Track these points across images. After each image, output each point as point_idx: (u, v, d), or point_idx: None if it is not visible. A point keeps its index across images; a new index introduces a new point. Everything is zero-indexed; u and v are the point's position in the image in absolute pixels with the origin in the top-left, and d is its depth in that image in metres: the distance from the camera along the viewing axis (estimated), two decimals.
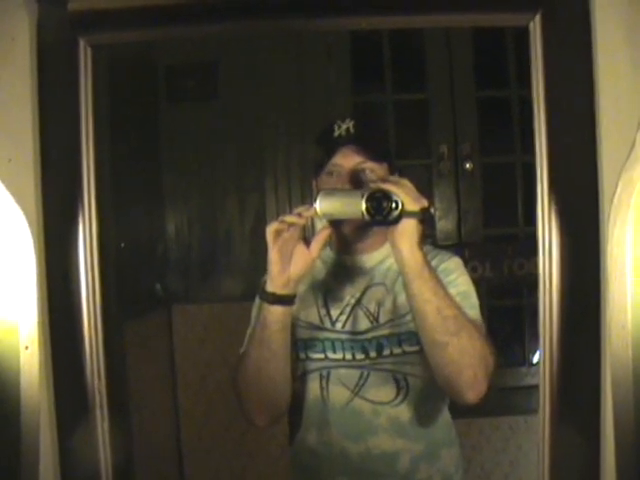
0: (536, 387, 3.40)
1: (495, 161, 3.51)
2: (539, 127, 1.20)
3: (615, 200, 1.04)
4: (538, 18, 1.18)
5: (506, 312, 3.67)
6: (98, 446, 1.10)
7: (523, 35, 3.18)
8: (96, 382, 1.10)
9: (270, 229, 1.51)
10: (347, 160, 1.70)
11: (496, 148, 3.51)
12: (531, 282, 3.41)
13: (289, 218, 1.52)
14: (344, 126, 1.73)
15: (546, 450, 1.29)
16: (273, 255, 1.52)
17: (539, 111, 1.18)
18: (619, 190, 1.04)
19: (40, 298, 1.11)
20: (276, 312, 1.57)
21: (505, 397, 3.43)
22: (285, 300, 1.56)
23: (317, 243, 1.55)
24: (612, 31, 1.09)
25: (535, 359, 3.50)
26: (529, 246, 3.29)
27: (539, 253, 1.23)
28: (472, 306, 1.70)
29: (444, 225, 3.46)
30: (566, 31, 1.15)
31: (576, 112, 1.16)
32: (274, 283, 1.55)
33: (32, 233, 1.07)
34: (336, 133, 1.73)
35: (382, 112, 3.48)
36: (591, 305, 1.15)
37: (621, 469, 1.06)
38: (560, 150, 1.19)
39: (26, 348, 1.05)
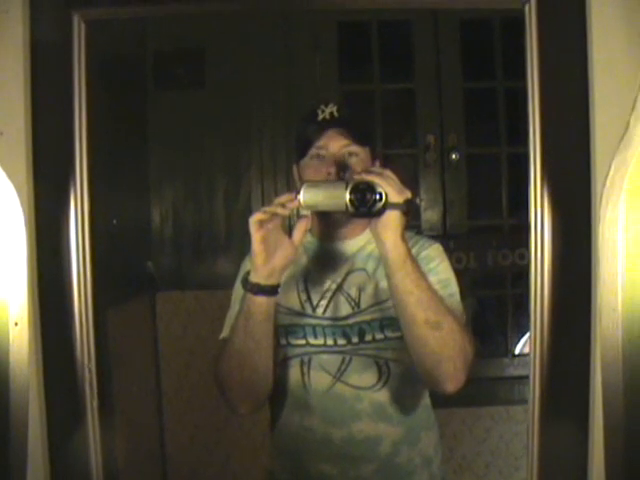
0: (518, 378, 3.46)
1: (481, 152, 3.52)
2: (533, 108, 1.19)
3: (607, 182, 1.05)
4: (534, 0, 1.18)
5: (490, 303, 3.68)
6: (87, 424, 1.10)
7: (511, 26, 3.19)
8: (86, 360, 1.09)
9: (253, 220, 1.51)
10: (332, 142, 1.70)
11: (482, 139, 3.52)
12: (515, 273, 3.46)
13: (272, 209, 1.51)
14: (328, 110, 1.74)
15: (535, 438, 1.29)
16: (257, 246, 1.52)
17: (533, 93, 1.18)
18: (612, 172, 1.04)
19: (30, 275, 1.10)
20: (260, 302, 1.57)
21: (487, 387, 3.44)
22: (269, 290, 1.57)
23: (299, 232, 1.55)
24: (608, 13, 1.09)
25: (518, 350, 3.51)
26: (513, 237, 3.36)
27: (531, 236, 1.23)
28: (452, 294, 1.72)
29: (429, 216, 3.47)
30: (561, 14, 1.15)
31: (570, 94, 1.17)
32: (258, 274, 1.55)
33: (23, 209, 1.06)
34: (320, 117, 1.74)
35: (369, 101, 3.47)
36: (582, 288, 1.15)
37: (609, 452, 1.07)
38: (553, 133, 1.19)
39: (15, 324, 1.04)
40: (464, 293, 1.76)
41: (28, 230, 1.09)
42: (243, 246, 3.33)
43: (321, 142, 1.71)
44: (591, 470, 1.13)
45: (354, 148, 1.71)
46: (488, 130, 3.52)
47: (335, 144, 1.70)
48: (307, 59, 3.40)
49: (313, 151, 1.72)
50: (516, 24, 3.24)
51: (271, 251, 1.53)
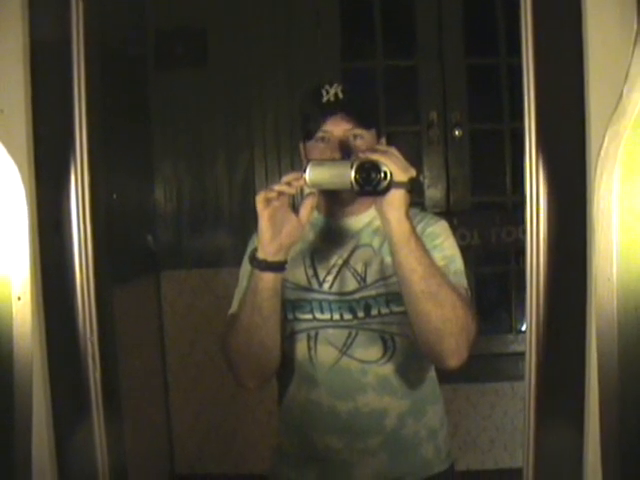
0: (523, 354, 3.45)
1: (484, 128, 3.51)
2: (527, 82, 1.20)
3: (602, 153, 1.05)
4: None
5: (494, 279, 3.69)
6: (90, 396, 1.11)
7: (513, 2, 3.18)
8: (88, 333, 1.11)
9: (260, 197, 1.52)
10: (337, 127, 1.68)
11: (485, 115, 3.51)
12: (519, 249, 3.46)
13: (279, 187, 1.52)
14: (332, 91, 1.72)
15: (532, 412, 1.30)
16: (263, 223, 1.52)
17: (527, 66, 1.18)
18: (606, 143, 1.04)
19: (32, 249, 1.11)
20: (268, 279, 1.57)
21: (492, 363, 3.45)
22: (276, 267, 1.57)
23: (305, 210, 1.56)
24: None
25: (524, 327, 3.52)
26: (517, 214, 3.35)
27: (527, 208, 1.24)
28: (456, 271, 1.71)
29: (433, 193, 3.47)
30: None
31: (564, 67, 1.17)
32: (265, 250, 1.55)
33: (24, 185, 1.07)
34: (324, 98, 1.71)
35: (371, 78, 3.47)
36: (578, 259, 1.16)
37: (605, 421, 1.08)
38: (548, 106, 1.19)
39: (18, 299, 1.06)
40: (468, 270, 1.77)
41: (29, 205, 1.10)
42: (247, 224, 3.39)
43: (326, 126, 1.69)
44: (587, 441, 1.14)
45: (359, 131, 1.71)
46: (491, 106, 3.51)
47: (339, 128, 1.68)
48: (309, 36, 3.39)
49: (319, 134, 1.71)
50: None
51: (278, 228, 1.54)
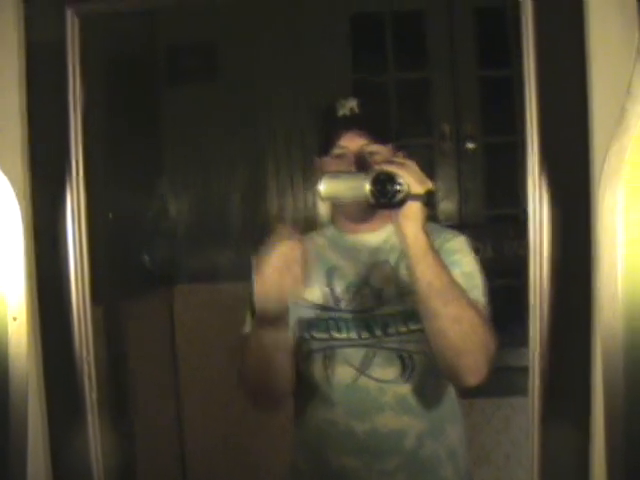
0: None
1: (497, 141, 3.49)
2: (529, 95, 1.17)
3: (605, 167, 1.03)
4: None
5: (508, 292, 3.66)
6: (87, 417, 1.10)
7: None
8: (84, 354, 1.09)
9: (255, 259, 1.48)
10: (352, 143, 1.68)
11: (498, 127, 3.49)
12: None
13: (275, 253, 1.47)
14: (348, 105, 1.72)
15: (536, 433, 1.27)
16: (257, 286, 1.48)
17: (529, 79, 1.16)
18: (609, 157, 1.02)
19: (28, 268, 1.10)
20: (269, 334, 1.54)
21: (507, 377, 3.41)
22: (274, 323, 1.53)
23: (300, 267, 1.48)
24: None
25: None
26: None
27: (529, 224, 1.21)
28: (475, 287, 1.67)
29: (446, 206, 3.45)
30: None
31: (567, 80, 1.15)
32: (261, 308, 1.50)
33: (19, 202, 1.06)
34: (340, 113, 1.72)
35: (383, 90, 3.45)
36: (582, 276, 1.13)
37: (611, 442, 1.05)
38: (550, 119, 1.17)
39: (14, 319, 1.05)
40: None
41: (25, 224, 1.09)
42: (258, 239, 3.37)
43: (341, 142, 1.69)
44: (593, 460, 1.11)
45: (374, 147, 1.69)
46: (504, 118, 3.49)
47: (355, 144, 1.68)
48: (320, 49, 3.38)
49: (334, 150, 1.70)
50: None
51: (275, 286, 1.48)
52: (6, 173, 1.05)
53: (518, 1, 1.24)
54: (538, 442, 1.19)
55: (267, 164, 3.42)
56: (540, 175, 1.17)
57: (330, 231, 1.87)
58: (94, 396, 1.10)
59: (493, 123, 3.47)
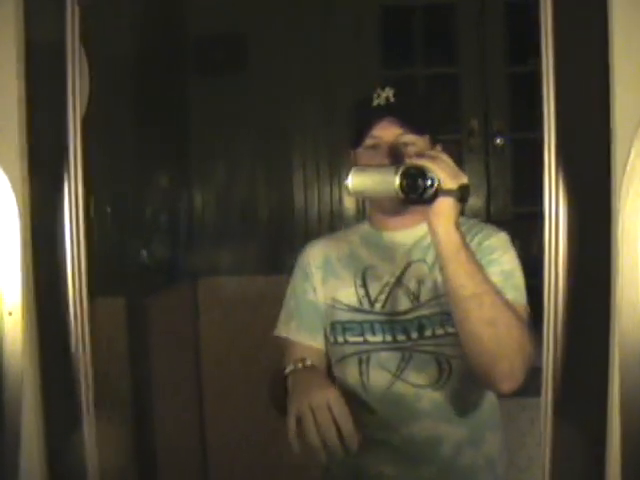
0: None
1: (526, 137, 3.44)
2: (547, 89, 1.11)
3: (628, 168, 0.98)
4: None
5: (536, 292, 3.60)
6: (82, 416, 1.07)
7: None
8: (80, 352, 1.07)
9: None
10: (387, 132, 1.63)
11: (527, 124, 3.44)
12: None
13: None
14: (384, 94, 1.66)
15: (548, 444, 1.22)
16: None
17: (547, 72, 1.10)
18: (632, 157, 0.97)
19: (24, 264, 1.08)
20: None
21: (533, 377, 3.36)
22: None
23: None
24: None
25: None
26: None
27: (545, 226, 1.15)
28: (515, 287, 1.63)
29: (473, 202, 3.40)
30: None
31: (587, 74, 1.08)
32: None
33: (16, 198, 1.05)
34: (375, 102, 1.66)
35: (412, 85, 3.41)
36: (600, 282, 1.07)
37: (627, 460, 1.00)
38: (569, 115, 1.10)
39: (9, 314, 1.03)
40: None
41: (22, 220, 1.07)
42: (284, 233, 3.36)
43: (375, 132, 1.64)
44: (608, 471, 1.06)
45: (410, 137, 1.63)
46: (533, 115, 3.43)
47: (389, 134, 1.62)
48: (349, 42, 3.35)
49: (368, 141, 1.65)
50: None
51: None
52: (3, 168, 1.04)
53: None
54: (550, 452, 1.14)
55: (294, 158, 3.40)
56: (557, 176, 1.10)
57: (365, 228, 1.84)
58: (91, 396, 1.08)
59: (522, 119, 3.41)
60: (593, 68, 1.08)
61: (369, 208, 1.87)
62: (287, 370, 1.60)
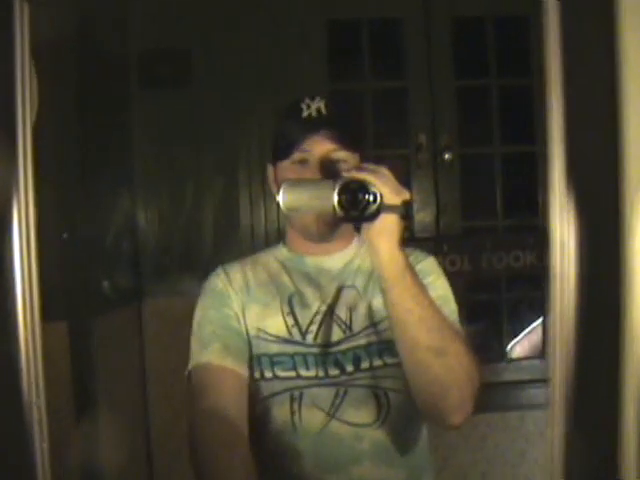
0: (513, 383, 3.36)
1: (474, 152, 3.43)
2: (553, 102, 1.03)
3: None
4: None
5: (485, 306, 3.59)
6: (37, 467, 0.97)
7: (503, 23, 3.11)
8: (34, 396, 0.96)
9: None
10: (319, 147, 1.52)
11: (475, 139, 3.44)
12: (510, 276, 3.37)
13: None
14: (314, 106, 1.54)
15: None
16: None
17: (553, 84, 1.02)
18: None
19: None
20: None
21: (483, 394, 3.33)
22: None
23: None
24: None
25: (513, 354, 3.43)
26: (508, 239, 3.26)
27: (552, 248, 1.07)
28: (452, 312, 1.56)
29: (422, 217, 3.38)
30: None
31: (595, 86, 1.01)
32: None
33: None
34: (305, 113, 1.54)
35: (359, 100, 3.38)
36: (612, 311, 1.01)
37: None
38: (577, 130, 1.03)
39: None
40: (459, 297, 1.62)
41: None
42: (231, 250, 3.27)
43: (305, 145, 1.53)
44: None
45: (343, 154, 1.53)
46: (481, 129, 3.44)
47: (320, 149, 1.52)
48: (295, 57, 3.31)
49: (296, 155, 1.54)
50: (509, 20, 3.15)
51: None
52: None
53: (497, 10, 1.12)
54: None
55: (240, 174, 3.32)
56: (565, 192, 1.02)
57: (282, 252, 1.70)
58: (45, 446, 0.97)
59: (470, 134, 3.41)
60: (601, 83, 1.02)
61: (289, 230, 1.71)
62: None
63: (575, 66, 1.02)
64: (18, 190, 0.96)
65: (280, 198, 1.34)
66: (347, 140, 1.54)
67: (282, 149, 1.57)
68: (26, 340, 0.97)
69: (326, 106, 1.55)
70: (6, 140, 0.96)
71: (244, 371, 1.58)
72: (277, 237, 3.24)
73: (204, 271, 3.28)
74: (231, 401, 1.49)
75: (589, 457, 1.03)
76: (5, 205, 0.95)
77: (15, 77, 0.96)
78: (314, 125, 1.53)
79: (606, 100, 0.98)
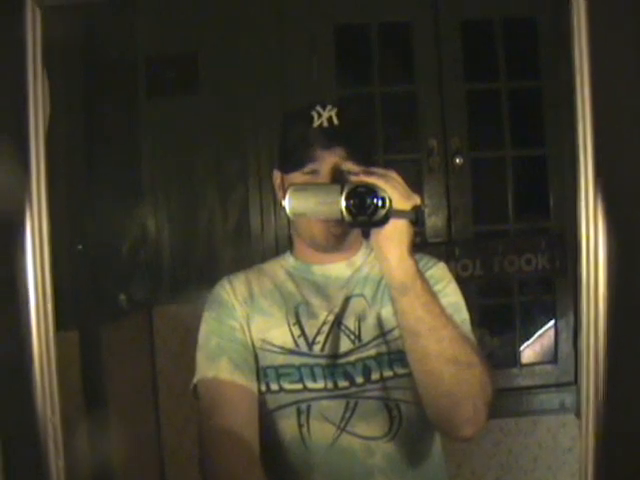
0: (527, 388, 3.32)
1: (485, 156, 3.41)
2: (582, 106, 0.99)
3: None
4: None
5: (497, 311, 3.56)
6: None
7: (513, 26, 3.08)
8: (49, 413, 0.93)
9: None
10: (329, 159, 1.47)
11: (486, 143, 3.41)
12: (522, 280, 3.34)
13: None
14: (325, 114, 1.49)
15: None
16: None
17: (582, 87, 0.98)
18: None
19: None
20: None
21: (496, 399, 3.31)
22: None
23: None
24: None
25: (525, 359, 3.39)
26: (520, 242, 3.23)
27: (582, 257, 1.02)
28: (464, 320, 1.52)
29: (434, 222, 3.35)
30: None
31: (627, 87, 0.98)
32: None
33: None
34: (316, 123, 1.49)
35: (368, 105, 3.34)
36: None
37: None
38: (608, 135, 0.99)
39: None
40: (471, 302, 1.59)
41: None
42: (240, 258, 3.25)
43: (317, 157, 1.48)
44: None
45: (352, 165, 1.47)
46: (492, 133, 3.41)
47: (332, 160, 1.47)
48: (304, 62, 3.28)
49: (306, 167, 1.49)
50: (518, 24, 3.12)
51: None
52: None
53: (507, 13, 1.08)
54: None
55: (249, 180, 3.29)
56: (595, 200, 0.98)
57: (289, 262, 1.66)
58: (61, 464, 0.94)
59: (481, 138, 3.38)
60: (632, 85, 0.98)
61: (296, 239, 1.67)
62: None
63: (604, 68, 0.99)
64: (31, 200, 0.94)
65: (286, 203, 1.30)
66: (359, 156, 1.50)
67: (292, 162, 1.53)
68: (40, 352, 0.95)
69: (337, 115, 1.50)
70: (18, 148, 0.94)
71: (254, 387, 1.55)
72: (288, 245, 3.23)
73: (214, 279, 3.30)
74: (244, 419, 1.46)
75: (622, 468, 0.99)
76: (18, 215, 0.93)
77: (27, 83, 0.94)
78: (326, 138, 1.49)
79: (637, 102, 0.94)
